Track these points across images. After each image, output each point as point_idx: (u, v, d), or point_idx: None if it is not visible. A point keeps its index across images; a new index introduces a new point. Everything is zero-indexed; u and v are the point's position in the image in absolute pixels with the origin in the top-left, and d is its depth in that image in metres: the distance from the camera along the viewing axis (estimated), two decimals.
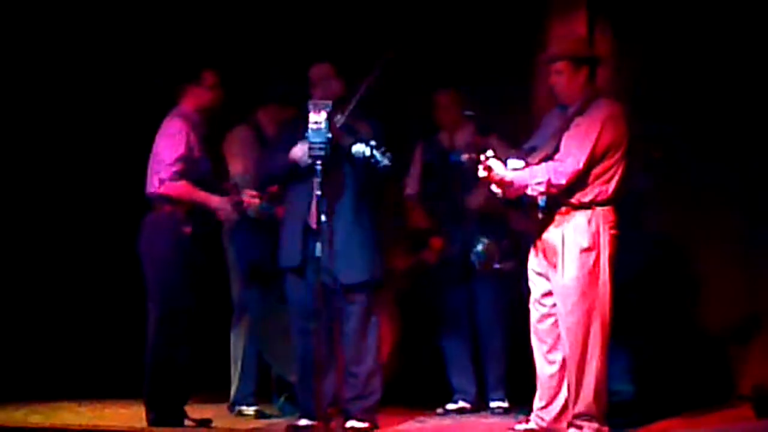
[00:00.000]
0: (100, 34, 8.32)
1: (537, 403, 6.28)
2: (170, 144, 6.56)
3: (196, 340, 6.66)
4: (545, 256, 6.20)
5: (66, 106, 8.35)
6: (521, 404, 6.95)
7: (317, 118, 6.19)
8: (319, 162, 6.19)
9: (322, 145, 6.18)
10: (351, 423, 6.50)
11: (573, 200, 6.11)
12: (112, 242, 7.68)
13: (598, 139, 6.07)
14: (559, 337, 6.17)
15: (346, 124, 6.39)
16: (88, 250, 8.35)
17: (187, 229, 6.56)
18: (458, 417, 7.26)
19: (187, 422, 6.62)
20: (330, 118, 6.19)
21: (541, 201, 6.15)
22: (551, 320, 6.21)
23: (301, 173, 6.44)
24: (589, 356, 6.06)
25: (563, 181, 6.06)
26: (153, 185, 6.58)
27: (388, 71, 6.40)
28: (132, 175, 6.82)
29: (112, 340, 7.99)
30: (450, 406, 7.37)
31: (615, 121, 6.14)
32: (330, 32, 7.93)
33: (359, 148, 6.32)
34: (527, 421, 6.33)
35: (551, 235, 6.16)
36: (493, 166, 6.07)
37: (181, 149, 6.54)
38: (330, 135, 6.20)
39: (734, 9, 7.39)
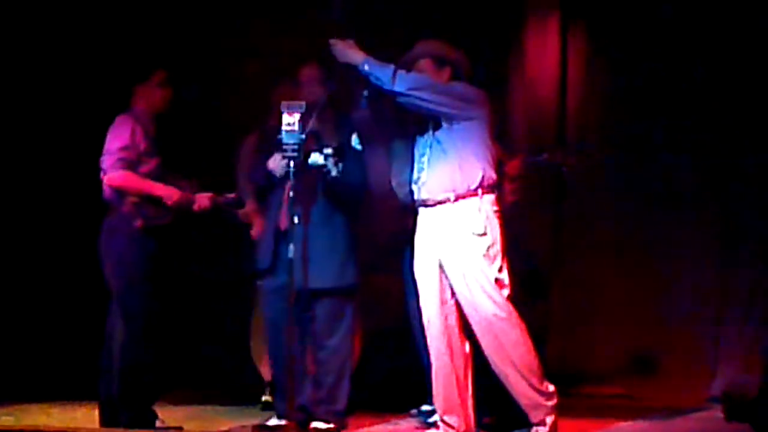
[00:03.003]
0: (61, 36, 8.29)
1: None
2: (112, 136, 6.60)
3: (162, 338, 6.66)
4: (435, 247, 6.21)
5: (27, 108, 8.30)
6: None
7: (290, 120, 6.16)
8: (292, 163, 6.20)
9: (295, 147, 6.17)
10: (316, 424, 6.51)
11: (462, 187, 6.12)
12: (76, 243, 7.64)
13: (449, 85, 6.15)
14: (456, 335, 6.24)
15: (313, 130, 6.39)
16: (54, 252, 8.31)
17: (138, 223, 6.56)
18: (432, 418, 7.23)
19: (158, 423, 6.60)
20: (303, 120, 6.20)
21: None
22: (447, 317, 6.25)
23: (276, 182, 6.47)
24: (504, 339, 6.08)
25: (407, 84, 6.05)
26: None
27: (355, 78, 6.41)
28: (94, 176, 6.79)
29: (81, 342, 7.95)
30: (425, 408, 7.18)
31: (486, 98, 6.19)
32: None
33: (314, 157, 6.36)
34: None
35: (441, 225, 6.18)
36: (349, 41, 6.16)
37: (123, 140, 6.56)
38: (303, 136, 6.20)
39: (710, 7, 7.43)
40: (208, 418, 7.22)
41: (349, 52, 6.19)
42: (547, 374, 6.14)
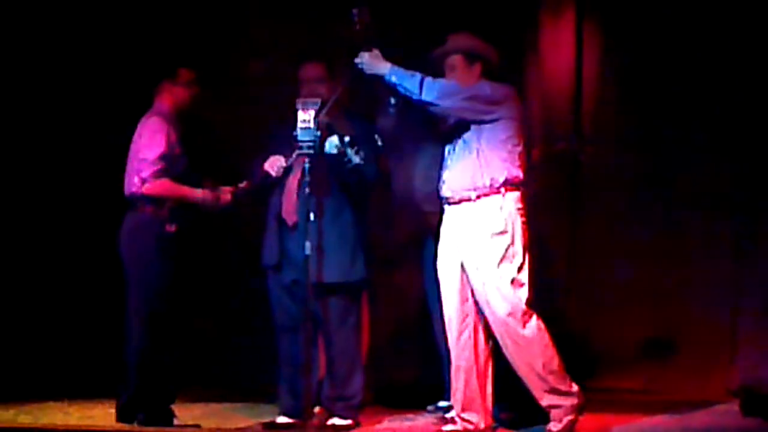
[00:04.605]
0: (77, 34, 8.29)
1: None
2: (151, 143, 6.54)
3: (182, 339, 6.66)
4: (457, 244, 6.22)
5: (44, 106, 8.31)
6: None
7: (305, 117, 6.21)
8: (308, 160, 6.21)
9: (310, 143, 6.20)
10: (333, 420, 6.54)
11: (490, 183, 6.11)
12: (97, 241, 7.65)
13: (493, 88, 6.14)
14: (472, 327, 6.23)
15: (327, 123, 6.39)
16: (74, 249, 8.31)
17: (172, 228, 6.55)
18: (450, 414, 7.21)
19: (175, 422, 6.61)
20: (317, 117, 6.20)
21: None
22: (463, 310, 6.25)
23: (274, 183, 6.51)
24: (523, 335, 6.07)
25: (435, 94, 6.07)
26: (134, 185, 6.56)
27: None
28: (110, 174, 6.80)
29: (100, 340, 7.96)
30: (442, 404, 7.20)
31: (516, 97, 6.20)
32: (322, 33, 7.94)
33: (331, 144, 6.35)
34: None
35: (462, 223, 6.20)
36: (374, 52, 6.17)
37: (162, 147, 6.52)
38: (318, 133, 6.21)
39: (724, 7, 7.40)
40: (225, 415, 7.23)
41: (376, 64, 6.20)
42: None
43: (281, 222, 6.57)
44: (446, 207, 6.30)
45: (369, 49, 6.20)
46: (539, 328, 6.09)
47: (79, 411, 7.34)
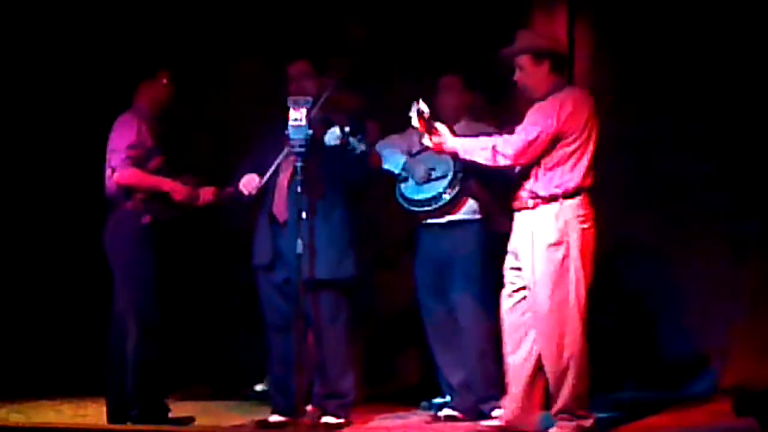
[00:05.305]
0: (60, 34, 8.29)
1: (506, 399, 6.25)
2: (120, 134, 6.62)
3: (173, 332, 6.68)
4: (517, 252, 6.17)
5: (28, 108, 8.33)
6: None
7: (297, 115, 6.19)
8: (300, 159, 6.20)
9: (302, 142, 6.18)
10: (326, 419, 6.54)
11: (542, 193, 6.06)
12: (87, 241, 7.65)
13: (552, 117, 6.02)
14: (526, 333, 6.15)
15: (322, 117, 6.39)
16: (65, 248, 8.33)
17: (146, 219, 6.58)
18: (443, 412, 7.17)
19: (170, 415, 6.65)
20: (310, 114, 6.20)
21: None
22: (518, 314, 6.18)
23: (245, 202, 6.53)
24: (565, 354, 6.01)
25: (510, 151, 6.03)
26: (109, 181, 6.64)
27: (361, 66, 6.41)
28: (97, 172, 6.81)
29: (92, 338, 7.96)
30: (437, 401, 7.20)
31: (575, 105, 6.07)
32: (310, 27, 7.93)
33: (332, 136, 6.34)
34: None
35: (521, 231, 6.14)
36: (440, 130, 6.14)
37: (131, 138, 6.58)
38: (310, 132, 6.20)
39: (717, 4, 7.40)
40: (218, 413, 7.24)
41: (445, 144, 6.19)
42: None
43: (273, 220, 6.58)
44: (515, 214, 6.25)
45: (432, 129, 6.17)
46: (580, 356, 6.03)
47: (71, 409, 7.36)
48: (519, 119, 6.19)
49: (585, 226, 6.05)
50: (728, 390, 7.19)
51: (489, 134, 6.84)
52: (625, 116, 7.56)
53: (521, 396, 6.18)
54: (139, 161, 6.59)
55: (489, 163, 6.11)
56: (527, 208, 6.12)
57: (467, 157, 6.19)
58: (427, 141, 6.26)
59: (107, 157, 6.68)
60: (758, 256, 7.45)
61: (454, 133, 6.57)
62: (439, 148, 6.26)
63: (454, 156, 6.32)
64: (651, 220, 7.70)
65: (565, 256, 6.01)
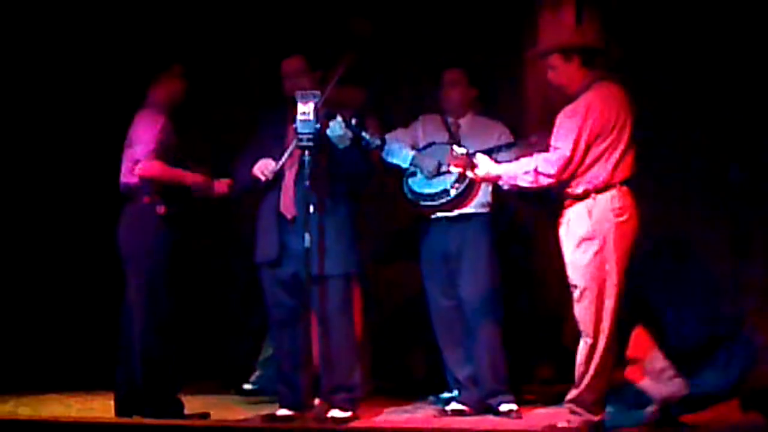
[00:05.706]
0: (73, 30, 8.30)
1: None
2: (147, 129, 6.62)
3: (185, 328, 6.70)
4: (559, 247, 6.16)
5: (38, 103, 8.34)
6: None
7: (305, 109, 6.21)
8: (307, 153, 6.21)
9: (310, 136, 6.20)
10: (333, 412, 6.55)
11: (571, 191, 6.05)
12: (96, 234, 7.68)
13: (583, 125, 5.99)
14: None
15: (328, 111, 6.40)
16: (73, 242, 8.34)
17: (161, 209, 6.59)
18: (450, 406, 7.15)
19: (186, 413, 6.68)
20: (317, 108, 6.20)
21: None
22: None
23: (261, 188, 6.51)
24: (597, 346, 5.99)
25: (552, 171, 6.01)
26: (129, 174, 6.63)
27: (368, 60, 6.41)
28: (108, 167, 6.83)
29: (100, 332, 7.98)
30: (444, 395, 7.20)
31: (604, 104, 6.04)
32: (307, 23, 7.94)
33: (336, 126, 6.36)
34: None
35: (560, 226, 6.13)
36: (478, 163, 6.10)
37: (156, 131, 6.59)
38: (318, 125, 6.21)
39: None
40: (225, 407, 7.24)
41: (488, 174, 6.15)
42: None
43: (279, 216, 6.57)
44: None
45: (471, 165, 6.13)
46: (606, 351, 6.00)
47: (79, 403, 7.37)
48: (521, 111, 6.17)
49: (621, 219, 6.02)
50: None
51: (494, 128, 6.90)
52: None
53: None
54: (163, 154, 6.59)
55: (533, 186, 6.06)
56: (563, 205, 6.10)
57: (511, 182, 6.13)
58: (470, 174, 6.20)
59: (127, 150, 6.67)
60: (762, 253, 7.43)
61: (459, 128, 6.57)
62: (483, 178, 6.22)
63: (497, 184, 6.25)
64: (651, 217, 7.70)
65: (599, 251, 5.99)
